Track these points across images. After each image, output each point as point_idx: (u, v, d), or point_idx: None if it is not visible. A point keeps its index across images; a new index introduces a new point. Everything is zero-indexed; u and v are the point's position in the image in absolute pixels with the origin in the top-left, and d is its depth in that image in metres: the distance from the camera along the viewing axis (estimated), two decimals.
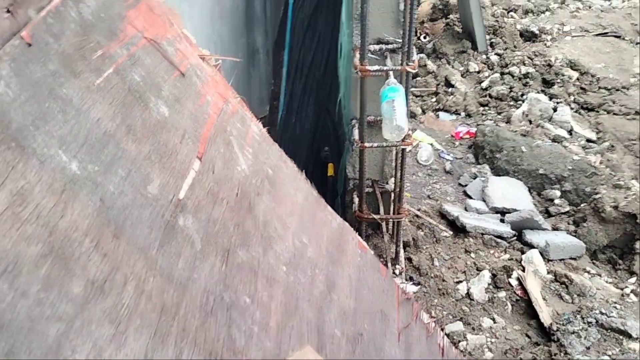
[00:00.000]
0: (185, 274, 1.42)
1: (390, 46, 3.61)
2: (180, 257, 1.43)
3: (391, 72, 3.45)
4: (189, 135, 1.65)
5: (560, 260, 4.41)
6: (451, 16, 8.11)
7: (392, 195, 4.06)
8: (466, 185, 5.46)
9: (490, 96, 6.83)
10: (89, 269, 1.19)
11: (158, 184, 1.45)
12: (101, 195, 1.29)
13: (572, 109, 6.37)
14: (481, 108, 6.78)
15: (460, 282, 4.16)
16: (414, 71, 3.47)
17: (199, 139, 1.68)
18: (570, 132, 5.98)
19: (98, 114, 1.37)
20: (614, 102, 6.42)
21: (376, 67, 3.41)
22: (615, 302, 3.94)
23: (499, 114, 6.59)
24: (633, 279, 4.30)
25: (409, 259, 4.29)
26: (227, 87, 2.01)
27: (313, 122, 6.14)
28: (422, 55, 7.52)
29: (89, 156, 1.30)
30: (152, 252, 1.36)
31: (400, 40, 3.54)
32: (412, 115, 6.52)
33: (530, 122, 6.15)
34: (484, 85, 7.03)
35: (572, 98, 6.56)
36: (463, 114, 6.76)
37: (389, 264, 3.98)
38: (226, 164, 1.75)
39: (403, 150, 3.73)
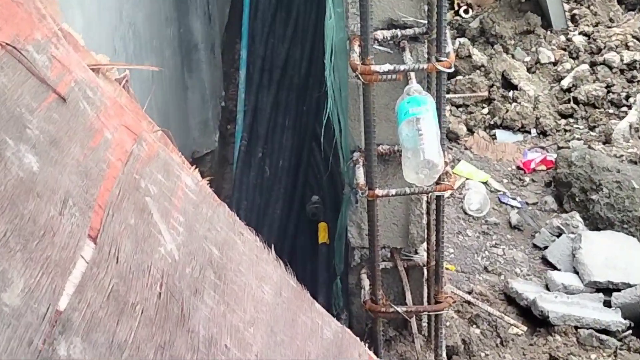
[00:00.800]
0: None
1: (409, 31, 3.59)
2: None
3: (412, 74, 3.42)
4: (74, 201, 1.61)
5: None
6: None
7: (426, 271, 4.02)
8: (545, 248, 5.42)
9: (576, 101, 6.85)
10: None
11: (21, 289, 1.40)
12: None
13: None
14: (563, 121, 6.78)
15: None
16: (449, 70, 3.45)
17: (91, 206, 1.65)
18: None
19: None
20: None
21: (388, 67, 3.39)
22: None
23: (592, 129, 6.59)
24: None
25: None
26: (140, 114, 2.00)
27: (293, 157, 6.12)
28: (462, 40, 7.55)
29: None
30: None
31: (426, 22, 3.52)
32: (451, 138, 6.51)
33: None
34: (564, 84, 7.05)
35: None
36: (534, 131, 6.76)
37: None
38: (140, 246, 1.72)
39: (439, 197, 3.70)
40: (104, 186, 1.71)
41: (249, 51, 6.71)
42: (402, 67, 3.42)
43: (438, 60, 3.42)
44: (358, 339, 2.34)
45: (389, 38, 3.58)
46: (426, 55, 3.56)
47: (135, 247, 1.70)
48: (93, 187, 1.68)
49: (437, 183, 3.51)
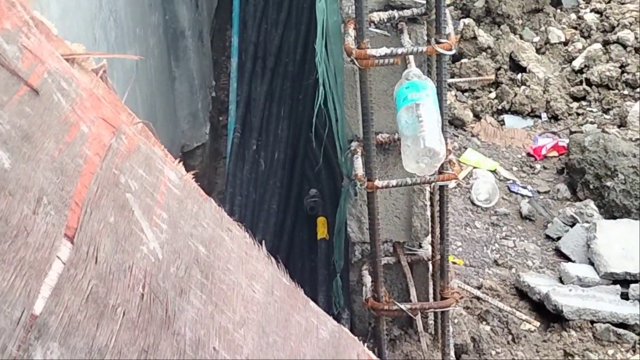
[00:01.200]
0: None
1: (407, 12, 3.59)
2: None
3: (411, 57, 3.42)
4: (49, 199, 1.60)
5: None
6: None
7: (431, 266, 4.02)
8: (558, 239, 5.41)
9: (589, 83, 6.84)
10: None
11: None
12: None
13: None
14: (575, 104, 6.77)
15: None
16: (450, 52, 3.45)
17: (67, 203, 1.64)
18: None
19: None
20: None
21: (385, 51, 3.38)
22: None
23: (606, 111, 6.58)
24: None
25: None
26: (119, 106, 1.99)
27: (289, 149, 6.11)
28: (467, 21, 7.54)
29: None
30: None
31: (424, 1, 3.52)
32: (457, 125, 6.51)
33: None
34: (576, 64, 7.04)
35: None
36: (545, 115, 6.75)
37: None
38: (120, 245, 1.71)
39: (442, 188, 3.70)
40: (81, 183, 1.70)
41: (241, 37, 6.69)
42: (400, 51, 3.42)
43: (438, 42, 3.42)
44: (357, 338, 2.31)
45: (385, 20, 3.58)
46: (425, 38, 3.56)
47: (115, 246, 1.69)
48: (69, 183, 1.67)
49: (440, 172, 3.52)
